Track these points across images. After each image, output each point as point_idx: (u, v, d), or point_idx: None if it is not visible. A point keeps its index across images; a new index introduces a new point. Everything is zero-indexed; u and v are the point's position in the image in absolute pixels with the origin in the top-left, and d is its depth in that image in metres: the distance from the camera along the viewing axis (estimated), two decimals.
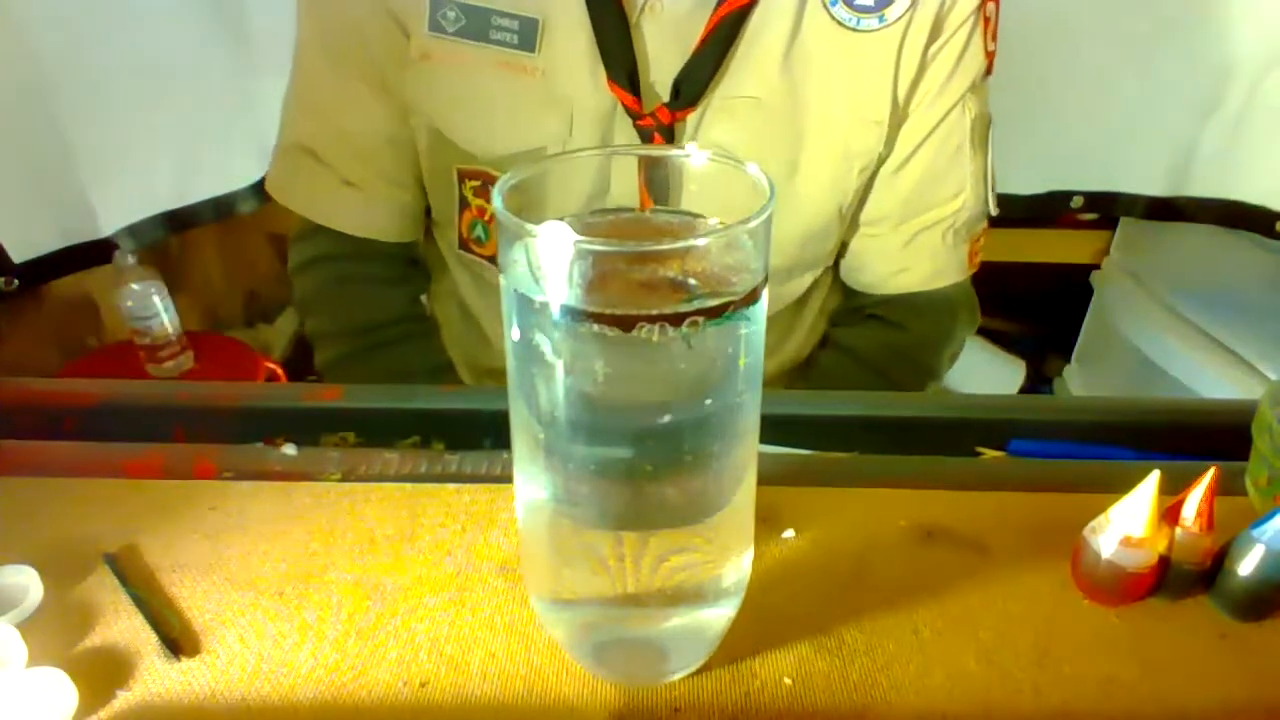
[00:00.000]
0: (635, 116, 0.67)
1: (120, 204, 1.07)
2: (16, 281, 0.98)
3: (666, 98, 0.67)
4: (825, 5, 0.67)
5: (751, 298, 0.29)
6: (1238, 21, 1.08)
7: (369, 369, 0.77)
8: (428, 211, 0.80)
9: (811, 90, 0.68)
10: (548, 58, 0.66)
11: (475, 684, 0.38)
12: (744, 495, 0.34)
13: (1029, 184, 1.25)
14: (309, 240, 0.79)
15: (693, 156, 0.34)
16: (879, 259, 0.79)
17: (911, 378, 0.81)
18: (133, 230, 1.10)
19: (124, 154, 1.06)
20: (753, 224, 0.29)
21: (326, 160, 0.74)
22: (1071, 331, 1.79)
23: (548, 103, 0.68)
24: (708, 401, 0.31)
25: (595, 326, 0.28)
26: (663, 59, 0.67)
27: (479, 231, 0.75)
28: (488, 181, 0.71)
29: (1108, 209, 1.28)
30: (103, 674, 0.38)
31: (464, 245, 0.77)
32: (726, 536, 0.34)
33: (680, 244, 0.28)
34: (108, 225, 1.07)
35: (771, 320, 0.81)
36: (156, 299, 1.31)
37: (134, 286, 1.29)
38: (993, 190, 0.79)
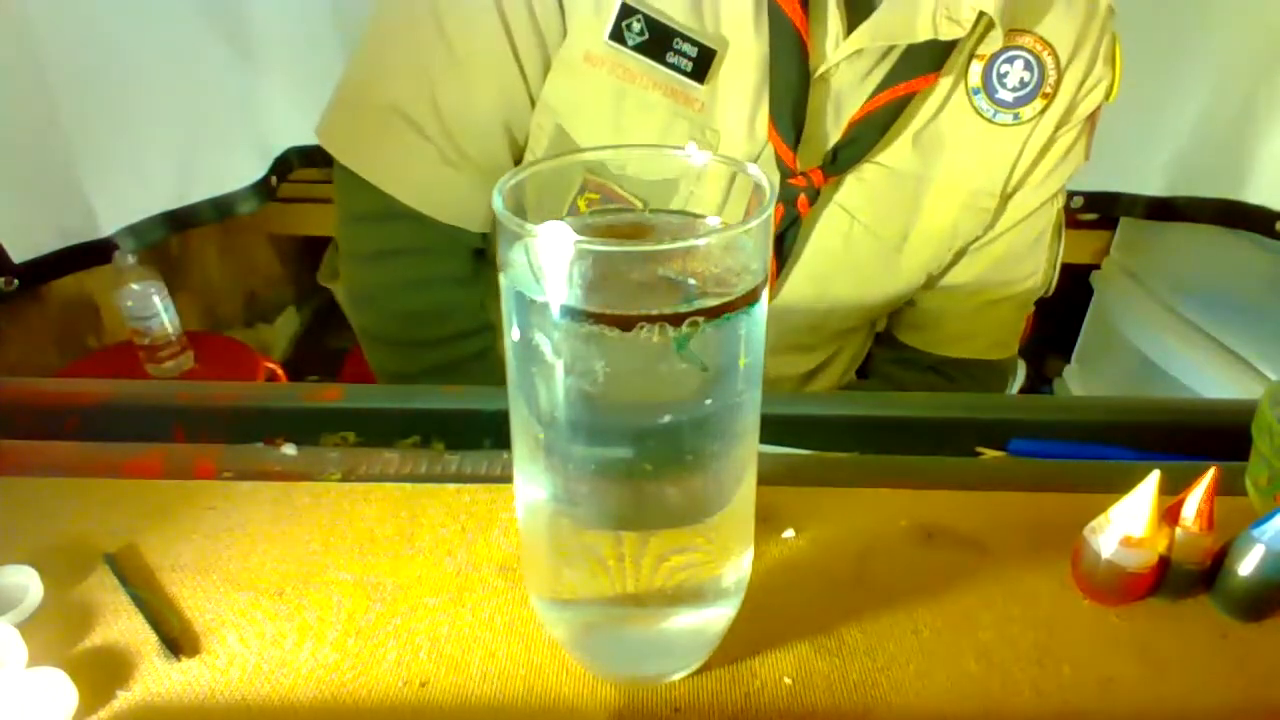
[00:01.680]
0: (787, 172, 0.66)
1: (120, 204, 1.07)
2: (16, 281, 0.98)
3: (823, 159, 0.67)
4: (969, 93, 0.68)
5: (751, 298, 0.29)
6: (1238, 22, 1.08)
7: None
8: None
9: (938, 169, 0.70)
10: (712, 90, 0.65)
11: (475, 684, 0.38)
12: (744, 495, 0.34)
13: None
14: (381, 227, 0.70)
15: (693, 157, 0.34)
16: (948, 322, 0.81)
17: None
18: (133, 230, 1.10)
19: (124, 154, 1.06)
20: (752, 224, 0.29)
21: (429, 133, 0.67)
22: (1071, 331, 1.79)
23: (696, 136, 0.66)
24: (708, 401, 0.31)
25: (595, 326, 0.28)
26: (824, 121, 0.67)
27: None
28: (608, 197, 0.65)
29: (1108, 209, 1.28)
30: (103, 674, 0.38)
31: None
32: (726, 536, 0.34)
33: (680, 244, 0.28)
34: (108, 225, 1.07)
35: (808, 371, 0.82)
36: (156, 299, 1.31)
37: (134, 286, 1.29)
38: (1057, 273, 0.83)
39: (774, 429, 0.51)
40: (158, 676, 0.38)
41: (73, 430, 0.56)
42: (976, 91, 0.68)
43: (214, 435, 0.56)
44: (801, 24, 0.62)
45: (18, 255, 0.98)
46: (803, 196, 0.67)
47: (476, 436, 0.55)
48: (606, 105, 0.65)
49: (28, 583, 0.42)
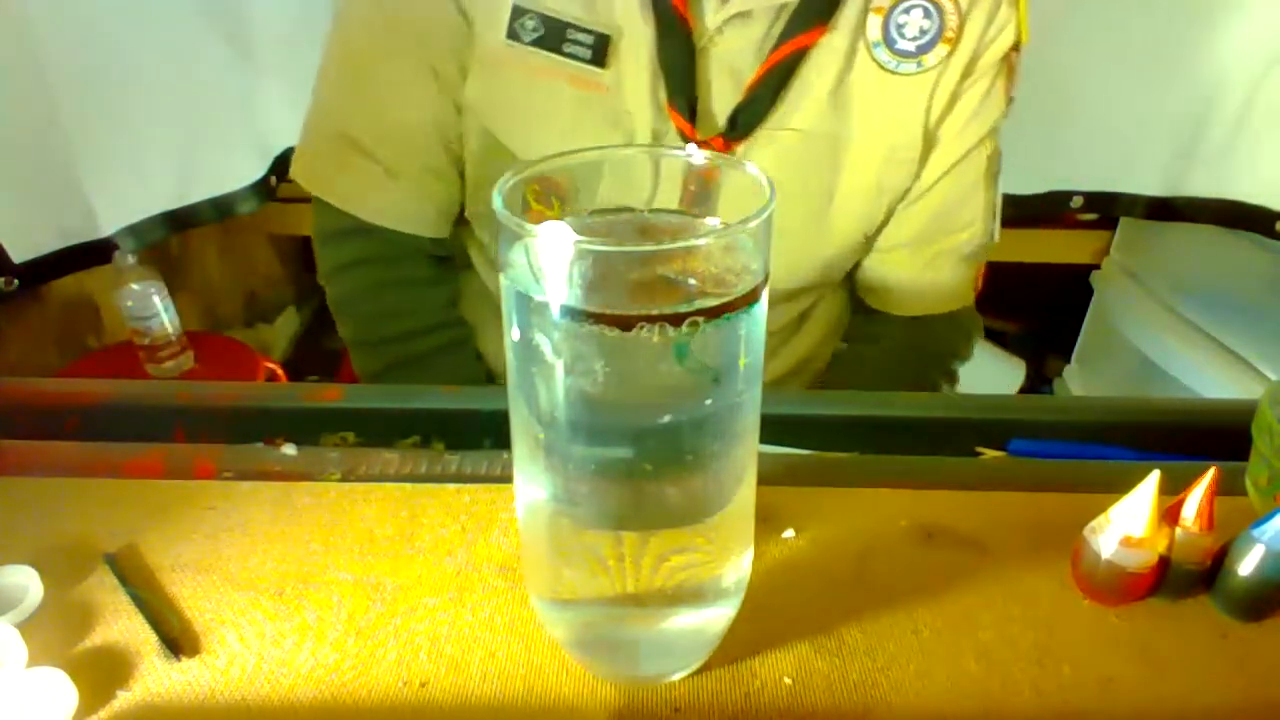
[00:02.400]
0: (689, 143, 0.69)
1: (120, 204, 1.07)
2: (16, 281, 0.98)
3: (721, 127, 0.69)
4: (870, 48, 0.69)
5: (751, 298, 0.29)
6: (1237, 22, 1.08)
7: (407, 382, 0.77)
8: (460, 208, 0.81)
9: (853, 127, 0.71)
10: (615, 75, 0.68)
11: (475, 684, 0.38)
12: (744, 495, 0.34)
13: (1029, 184, 1.25)
14: (345, 242, 0.78)
15: (694, 156, 0.34)
16: (897, 282, 0.82)
17: (923, 372, 0.85)
18: (133, 230, 1.10)
19: (124, 154, 1.06)
20: (752, 224, 0.29)
21: (371, 151, 0.73)
22: (1071, 331, 1.79)
23: (610, 119, 0.69)
24: (707, 401, 0.31)
25: (595, 326, 0.28)
26: (719, 89, 0.69)
27: None
28: (547, 188, 0.71)
29: (1108, 209, 1.28)
30: (103, 674, 0.38)
31: None
32: (726, 536, 0.34)
33: (680, 244, 0.28)
34: (108, 225, 1.07)
35: (777, 329, 0.82)
36: (156, 299, 1.31)
37: (134, 286, 1.29)
38: (998, 222, 0.82)
39: (774, 429, 0.51)
40: (158, 676, 0.38)
41: (73, 430, 0.56)
42: (877, 45, 0.69)
43: (214, 435, 0.56)
44: (679, 1, 0.65)
45: (18, 255, 0.98)
46: None
47: (476, 436, 0.55)
48: (520, 100, 0.70)
49: (28, 583, 0.42)
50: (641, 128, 0.69)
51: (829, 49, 0.68)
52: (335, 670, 0.38)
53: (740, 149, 0.70)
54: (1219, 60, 1.11)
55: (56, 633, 0.40)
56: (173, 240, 1.43)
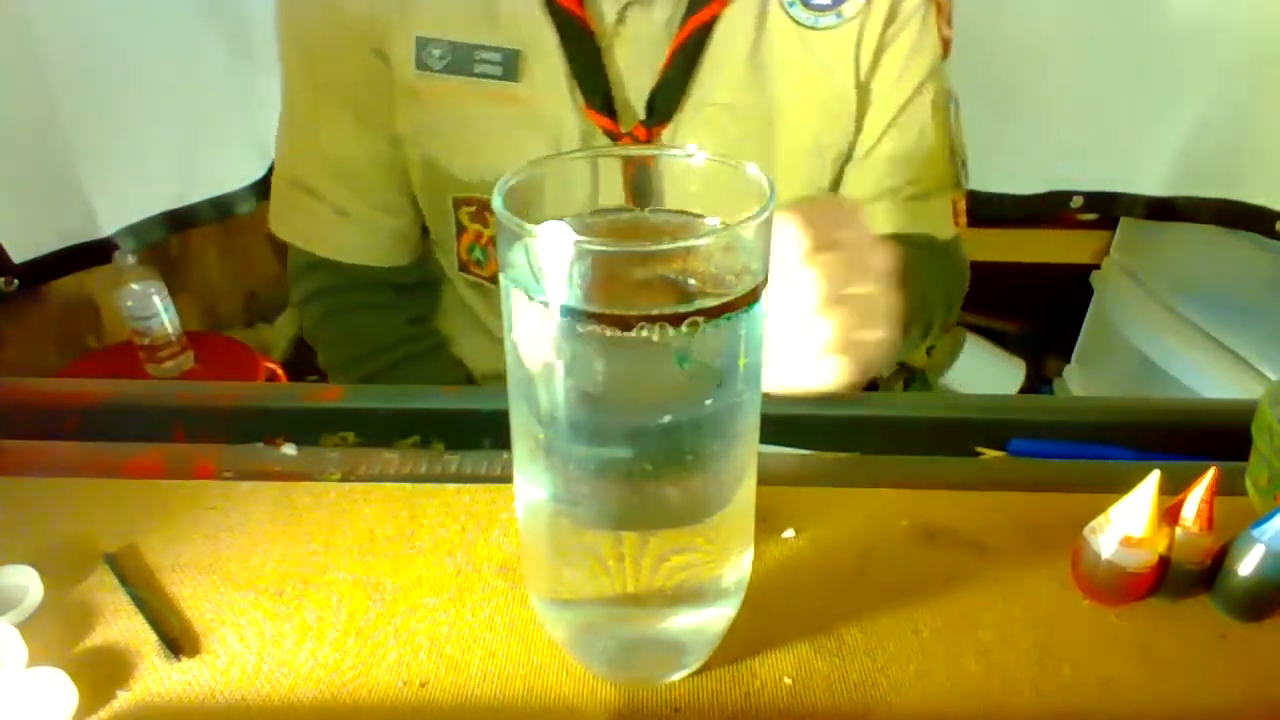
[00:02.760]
0: (614, 137, 0.70)
1: (120, 204, 1.08)
2: (16, 281, 0.99)
3: (643, 116, 0.70)
4: (784, 7, 0.69)
5: (751, 298, 0.29)
6: (1237, 22, 1.08)
7: None
8: (426, 231, 0.82)
9: (780, 90, 0.71)
10: (530, 86, 0.69)
11: (475, 684, 0.38)
12: (744, 495, 0.34)
13: (1029, 184, 1.25)
14: (308, 275, 0.81)
15: (694, 157, 0.34)
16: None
17: (917, 305, 0.79)
18: (133, 230, 1.10)
19: (124, 154, 1.06)
20: (753, 224, 0.29)
21: (319, 192, 0.77)
22: (1071, 331, 1.79)
23: (533, 128, 0.70)
24: (708, 402, 0.31)
25: (595, 326, 0.28)
26: (636, 78, 0.69)
27: (477, 254, 0.78)
28: (482, 207, 0.74)
29: (1108, 209, 1.28)
30: (103, 674, 0.38)
31: (464, 268, 0.79)
32: (726, 536, 0.34)
33: (680, 244, 0.28)
34: (108, 225, 1.07)
35: None
36: (156, 299, 1.31)
37: (134, 286, 1.29)
38: (963, 163, 0.80)
39: (774, 429, 0.51)
40: (158, 676, 0.38)
41: (73, 430, 0.56)
42: (792, 3, 0.69)
43: (214, 435, 0.56)
44: (572, 3, 0.66)
45: (18, 255, 0.98)
46: None
47: (476, 436, 0.55)
48: (445, 125, 0.71)
49: (28, 583, 0.42)
50: (567, 132, 0.70)
51: (737, 16, 0.68)
52: (335, 670, 0.38)
53: (665, 133, 0.70)
54: (1219, 60, 1.11)
55: (56, 633, 0.40)
56: (173, 240, 1.43)
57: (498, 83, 0.69)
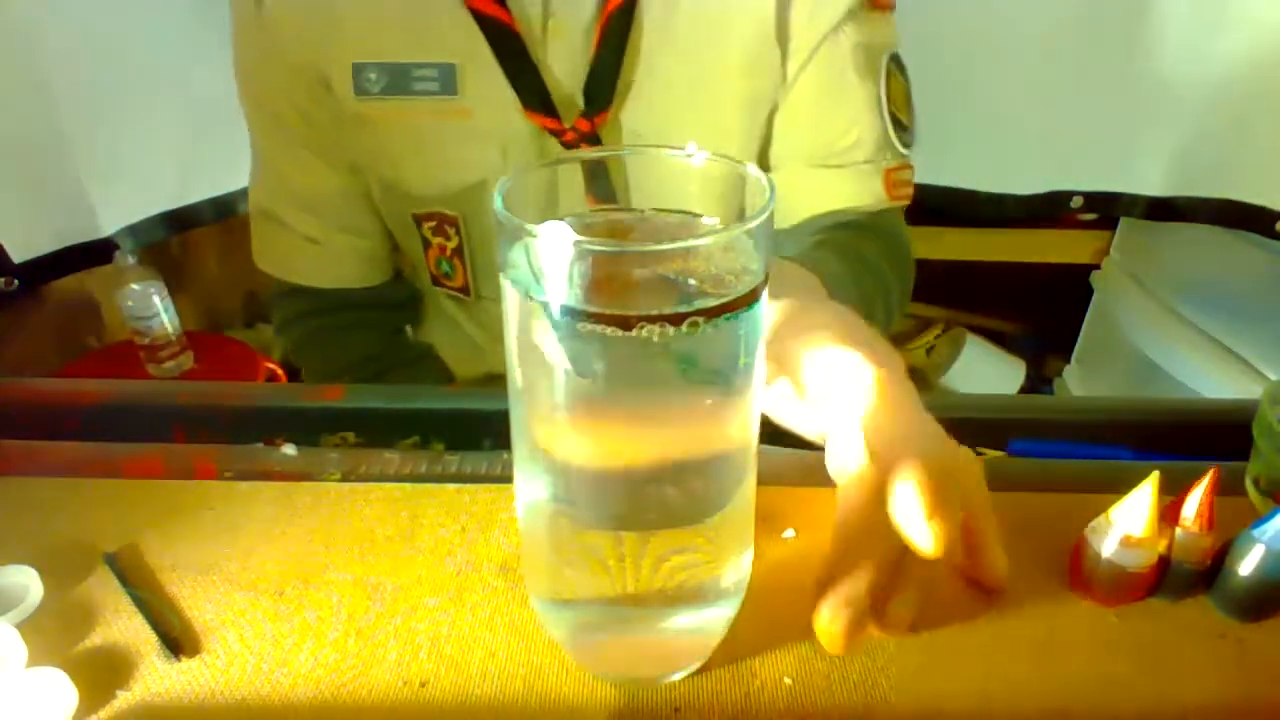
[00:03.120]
0: (558, 135, 0.70)
1: (120, 204, 1.08)
2: (16, 281, 0.99)
3: (582, 108, 0.70)
4: None
5: (751, 298, 0.29)
6: (1237, 21, 1.08)
7: None
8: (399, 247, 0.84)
9: (706, 51, 0.70)
10: (470, 97, 0.69)
11: (475, 684, 0.38)
12: (744, 495, 0.34)
13: (1029, 184, 1.25)
14: (285, 301, 0.83)
15: (694, 157, 0.34)
16: (797, 194, 0.77)
17: (878, 275, 0.76)
18: (133, 230, 1.10)
19: (124, 154, 1.06)
20: (753, 224, 0.29)
21: (287, 223, 0.78)
22: (1071, 331, 1.79)
23: (479, 138, 0.70)
24: (708, 402, 0.31)
25: (595, 326, 0.28)
26: (571, 73, 0.69)
27: (445, 267, 0.78)
28: (443, 221, 0.75)
29: (1108, 209, 1.28)
30: (103, 674, 0.38)
31: (436, 281, 0.80)
32: (727, 536, 0.34)
33: (680, 244, 0.28)
34: (108, 225, 1.07)
35: None
36: (156, 299, 1.31)
37: (134, 286, 1.29)
38: (898, 125, 0.77)
39: (774, 429, 0.51)
40: (158, 676, 0.38)
41: (73, 430, 0.56)
42: None
43: (214, 435, 0.56)
44: (496, 10, 0.66)
45: (18, 255, 0.98)
46: (584, 146, 0.70)
47: (476, 436, 0.55)
48: (395, 146, 0.72)
49: (28, 583, 0.42)
50: (515, 137, 0.70)
51: None
52: (335, 670, 0.38)
53: (609, 121, 0.70)
54: (1218, 60, 1.11)
55: (56, 633, 0.40)
56: (173, 240, 1.43)
57: (438, 98, 0.69)
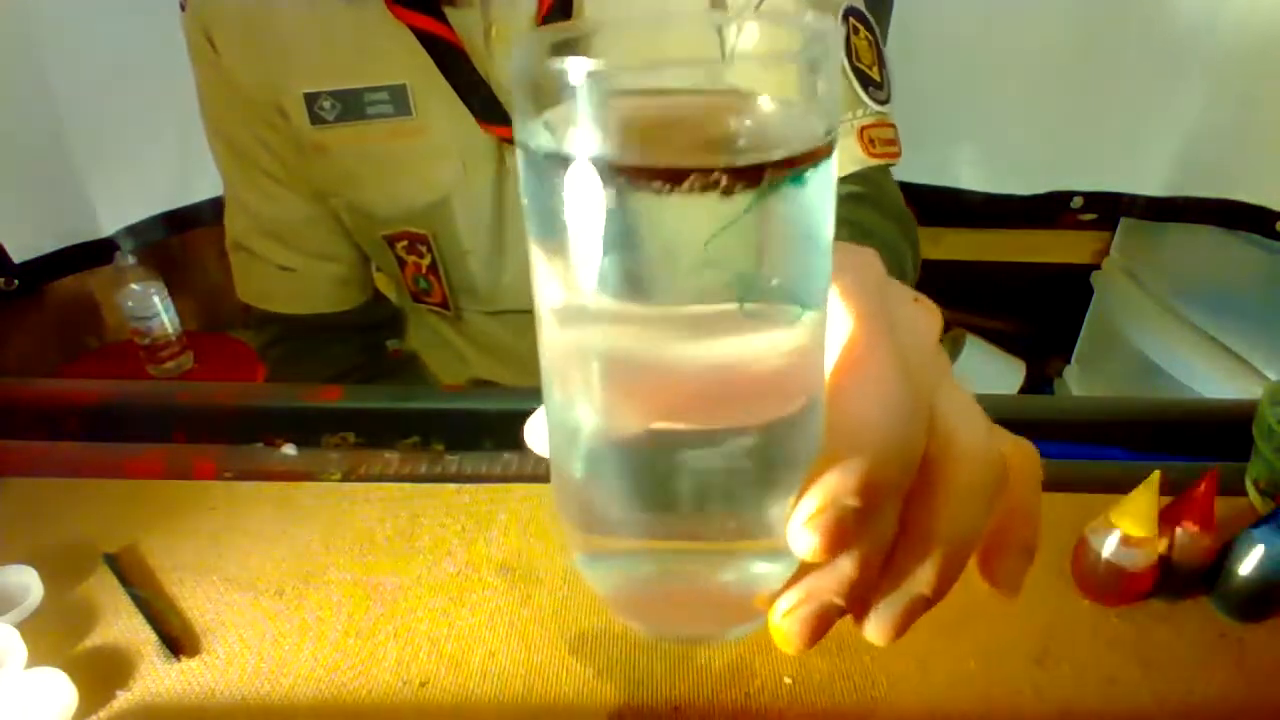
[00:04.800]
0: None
1: (120, 204, 1.08)
2: (16, 281, 0.99)
3: None
4: None
5: (818, 155, 0.23)
6: (1237, 21, 1.08)
7: None
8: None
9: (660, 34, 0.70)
10: (425, 115, 0.69)
11: (475, 684, 0.38)
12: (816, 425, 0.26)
13: (1029, 184, 1.25)
14: (264, 326, 0.84)
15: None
16: None
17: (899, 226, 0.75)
18: (133, 230, 1.10)
19: (124, 154, 1.06)
20: (812, 54, 0.23)
21: (258, 252, 0.79)
22: (1071, 331, 1.79)
23: (439, 155, 0.70)
24: (774, 281, 0.24)
25: (639, 185, 0.21)
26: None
27: (423, 284, 0.78)
28: (414, 240, 0.75)
29: (1108, 209, 1.28)
30: (103, 674, 0.38)
31: (415, 298, 0.80)
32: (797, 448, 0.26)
33: (731, 90, 0.24)
34: (108, 225, 1.07)
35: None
36: (156, 299, 1.31)
37: (134, 286, 1.29)
38: (867, 82, 0.75)
39: None
40: (158, 676, 0.38)
41: (73, 430, 0.56)
42: None
43: (214, 435, 0.56)
44: (437, 27, 0.66)
45: (18, 255, 0.98)
46: None
47: (476, 436, 0.55)
48: (356, 171, 0.72)
49: (28, 583, 0.42)
50: (473, 150, 0.70)
51: None
52: (335, 670, 0.38)
53: None
54: (1218, 60, 1.11)
55: (56, 633, 0.40)
56: (173, 240, 1.43)
57: (393, 120, 0.69)
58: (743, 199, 0.21)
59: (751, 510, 0.27)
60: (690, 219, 0.22)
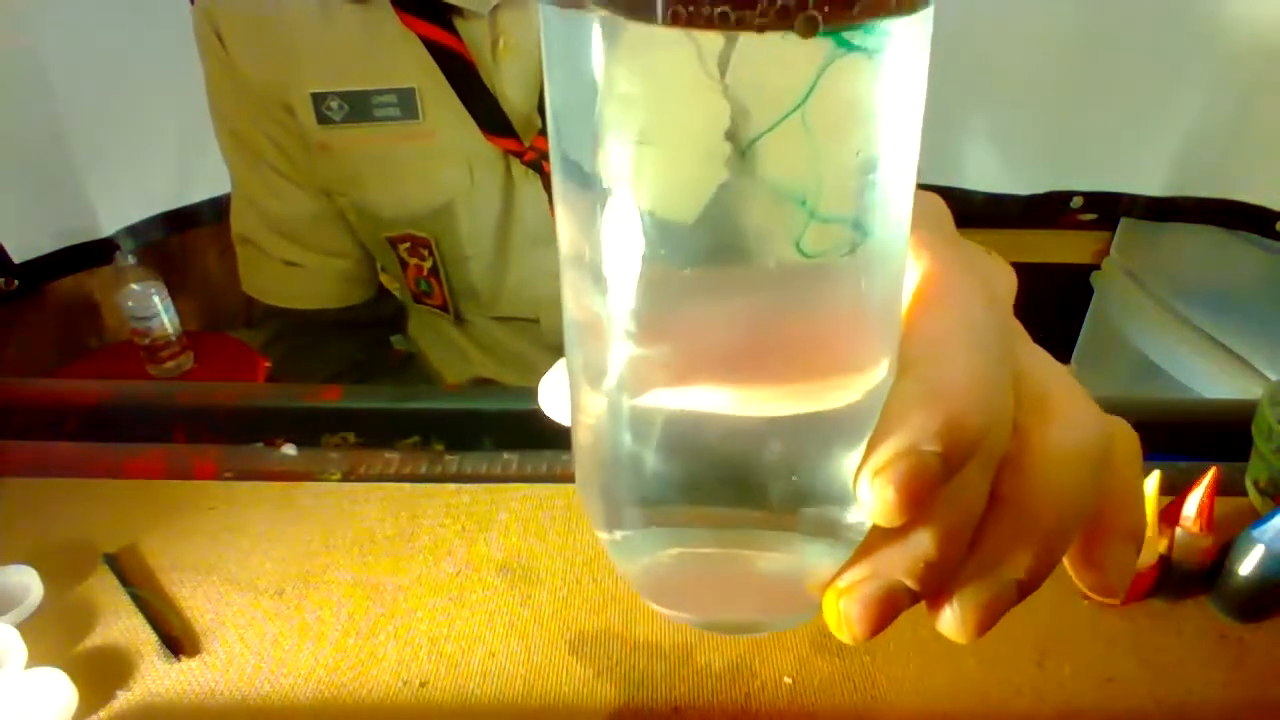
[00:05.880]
0: (519, 155, 0.70)
1: (120, 204, 1.07)
2: (16, 282, 0.99)
3: (540, 126, 0.70)
4: None
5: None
6: (1237, 21, 1.08)
7: None
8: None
9: None
10: (433, 120, 0.69)
11: (475, 684, 0.38)
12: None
13: (1029, 184, 1.25)
14: (268, 322, 0.84)
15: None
16: None
17: None
18: (133, 230, 1.10)
19: (124, 154, 1.06)
20: None
21: (264, 247, 0.79)
22: (1071, 331, 1.79)
23: (445, 160, 0.70)
24: (858, 154, 0.17)
25: (699, 23, 0.14)
26: (526, 94, 0.69)
27: (424, 286, 0.79)
28: (416, 243, 0.76)
29: (1108, 209, 1.28)
30: (103, 674, 0.38)
31: (417, 299, 0.80)
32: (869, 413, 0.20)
33: None
34: (108, 225, 1.07)
35: None
36: (156, 299, 1.31)
37: (134, 286, 1.29)
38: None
39: None
40: (158, 676, 0.38)
41: (73, 430, 0.56)
42: None
43: (214, 435, 0.56)
44: (445, 37, 0.66)
45: (18, 255, 0.98)
46: (546, 164, 0.70)
47: (476, 436, 0.55)
48: (362, 172, 0.72)
49: (28, 583, 0.42)
50: (479, 157, 0.70)
51: None
52: (335, 670, 0.38)
53: None
54: (1218, 60, 1.11)
55: (56, 633, 0.40)
56: (173, 240, 1.43)
57: (400, 123, 0.69)
58: (823, 44, 0.15)
59: (808, 479, 0.22)
60: (758, 70, 0.15)
